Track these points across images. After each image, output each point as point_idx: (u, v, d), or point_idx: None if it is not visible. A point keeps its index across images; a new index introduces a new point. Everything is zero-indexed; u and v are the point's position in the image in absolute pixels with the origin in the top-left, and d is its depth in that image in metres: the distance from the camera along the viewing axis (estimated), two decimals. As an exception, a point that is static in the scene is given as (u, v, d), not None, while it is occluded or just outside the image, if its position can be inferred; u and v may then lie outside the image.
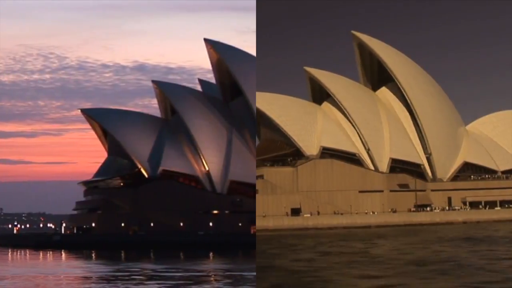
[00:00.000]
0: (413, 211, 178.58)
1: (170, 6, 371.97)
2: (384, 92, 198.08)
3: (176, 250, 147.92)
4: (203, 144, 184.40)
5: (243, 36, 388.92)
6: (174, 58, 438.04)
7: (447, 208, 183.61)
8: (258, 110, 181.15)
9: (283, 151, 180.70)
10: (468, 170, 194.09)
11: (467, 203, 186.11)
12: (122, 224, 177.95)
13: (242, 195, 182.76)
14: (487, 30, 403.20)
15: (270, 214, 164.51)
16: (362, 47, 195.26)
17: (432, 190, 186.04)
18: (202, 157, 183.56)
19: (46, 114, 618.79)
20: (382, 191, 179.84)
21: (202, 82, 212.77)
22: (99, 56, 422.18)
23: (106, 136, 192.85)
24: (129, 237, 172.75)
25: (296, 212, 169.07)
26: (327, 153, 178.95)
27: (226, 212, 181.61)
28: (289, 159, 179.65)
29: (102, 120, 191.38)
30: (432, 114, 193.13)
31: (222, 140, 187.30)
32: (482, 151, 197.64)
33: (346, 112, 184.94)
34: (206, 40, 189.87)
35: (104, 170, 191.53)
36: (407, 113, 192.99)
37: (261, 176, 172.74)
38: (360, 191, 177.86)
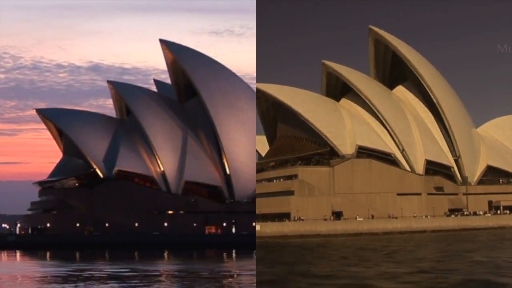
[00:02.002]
0: (448, 215, 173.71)
1: (125, 6, 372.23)
2: (401, 91, 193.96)
3: (131, 250, 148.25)
4: (158, 144, 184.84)
5: (197, 37, 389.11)
6: (129, 59, 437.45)
7: (482, 212, 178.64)
8: (279, 104, 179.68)
9: (311, 149, 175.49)
10: (490, 174, 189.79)
11: (501, 207, 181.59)
12: (77, 225, 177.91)
13: (197, 195, 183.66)
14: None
15: (310, 218, 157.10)
16: (379, 43, 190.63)
17: (464, 194, 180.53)
18: (157, 157, 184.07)
19: (0, 114, 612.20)
20: (420, 194, 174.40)
21: (157, 82, 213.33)
22: (54, 56, 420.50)
23: (61, 136, 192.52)
24: (84, 237, 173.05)
25: (337, 215, 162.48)
26: (363, 152, 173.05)
27: (181, 212, 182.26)
28: (316, 158, 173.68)
29: (57, 120, 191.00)
30: (457, 115, 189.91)
31: (177, 141, 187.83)
32: (499, 154, 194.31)
33: (376, 110, 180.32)
34: (161, 40, 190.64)
35: (59, 170, 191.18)
36: (430, 114, 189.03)
37: (295, 176, 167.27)
38: (398, 194, 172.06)
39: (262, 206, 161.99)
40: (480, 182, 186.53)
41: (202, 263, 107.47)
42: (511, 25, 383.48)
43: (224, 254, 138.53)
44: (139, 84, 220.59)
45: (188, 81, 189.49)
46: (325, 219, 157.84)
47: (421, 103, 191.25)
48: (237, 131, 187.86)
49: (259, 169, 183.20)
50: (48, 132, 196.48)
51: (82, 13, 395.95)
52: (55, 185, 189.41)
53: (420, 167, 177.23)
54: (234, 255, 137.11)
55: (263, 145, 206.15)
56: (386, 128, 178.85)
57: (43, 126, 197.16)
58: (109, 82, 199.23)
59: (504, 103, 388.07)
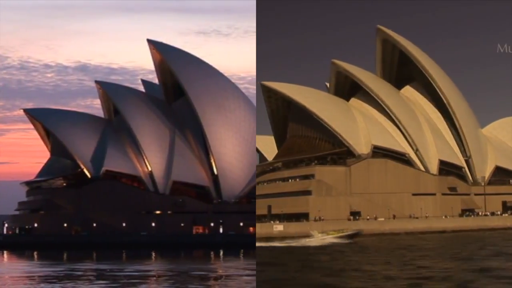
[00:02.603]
0: (461, 215, 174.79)
1: (112, 7, 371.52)
2: (409, 91, 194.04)
3: (118, 250, 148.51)
4: (146, 144, 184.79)
5: (184, 37, 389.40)
6: (116, 59, 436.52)
7: (500, 212, 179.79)
8: (289, 103, 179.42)
9: (325, 149, 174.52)
10: (498, 174, 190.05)
11: None
12: (65, 225, 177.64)
13: (184, 195, 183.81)
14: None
15: (328, 218, 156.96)
16: (387, 42, 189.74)
17: (476, 194, 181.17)
18: (144, 157, 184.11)
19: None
20: (434, 194, 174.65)
21: (145, 82, 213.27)
22: (41, 56, 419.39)
23: (49, 136, 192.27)
24: (72, 237, 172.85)
25: (355, 215, 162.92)
26: (378, 152, 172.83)
27: (169, 212, 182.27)
28: (331, 158, 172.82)
29: (45, 120, 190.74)
30: (465, 116, 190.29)
31: (165, 141, 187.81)
32: (505, 155, 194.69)
33: (389, 110, 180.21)
34: (149, 40, 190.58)
35: (47, 170, 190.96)
36: (439, 114, 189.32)
37: (312, 176, 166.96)
38: (413, 194, 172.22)
39: (276, 206, 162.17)
40: (490, 182, 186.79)
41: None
42: (511, 25, 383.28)
43: (212, 254, 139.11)
44: (127, 84, 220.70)
45: (176, 81, 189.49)
46: (349, 219, 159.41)
47: (429, 104, 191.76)
48: (224, 131, 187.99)
49: (270, 170, 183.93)
50: (35, 132, 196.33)
51: (69, 13, 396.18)
52: (42, 185, 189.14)
53: (434, 167, 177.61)
54: (221, 255, 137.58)
55: (264, 145, 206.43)
56: (399, 128, 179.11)
57: (30, 126, 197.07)
58: (97, 82, 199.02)
59: (504, 103, 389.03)
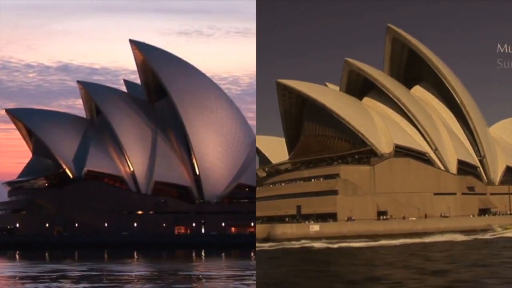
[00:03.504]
0: (479, 214, 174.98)
1: (94, 7, 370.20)
2: (420, 91, 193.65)
3: (100, 250, 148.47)
4: (128, 144, 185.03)
5: (166, 38, 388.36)
6: (98, 59, 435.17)
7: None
8: (304, 102, 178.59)
9: (344, 148, 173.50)
10: (507, 174, 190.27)
11: None
12: (47, 225, 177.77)
13: (166, 195, 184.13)
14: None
15: (355, 218, 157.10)
16: (396, 42, 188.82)
17: (492, 194, 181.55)
18: (127, 157, 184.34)
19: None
20: (455, 193, 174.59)
21: (127, 82, 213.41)
22: (23, 56, 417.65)
23: (31, 136, 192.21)
24: (54, 237, 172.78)
25: (381, 215, 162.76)
26: (399, 151, 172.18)
27: (151, 212, 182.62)
28: (353, 157, 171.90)
29: (27, 120, 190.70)
30: (478, 115, 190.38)
31: (147, 141, 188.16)
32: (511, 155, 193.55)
33: (407, 110, 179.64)
34: (131, 41, 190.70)
35: (29, 170, 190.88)
36: (451, 114, 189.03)
37: (337, 175, 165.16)
38: (435, 194, 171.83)
39: (290, 206, 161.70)
40: (501, 182, 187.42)
41: (170, 262, 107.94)
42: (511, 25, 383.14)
43: (193, 253, 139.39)
44: (109, 85, 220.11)
45: (158, 82, 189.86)
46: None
47: (441, 103, 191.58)
48: (206, 132, 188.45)
49: (285, 170, 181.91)
50: (17, 132, 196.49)
51: (51, 14, 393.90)
52: (24, 185, 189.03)
53: (453, 167, 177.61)
54: (203, 255, 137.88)
55: (265, 146, 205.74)
56: (417, 128, 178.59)
57: (12, 126, 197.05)
58: (79, 82, 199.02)
59: (505, 104, 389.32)
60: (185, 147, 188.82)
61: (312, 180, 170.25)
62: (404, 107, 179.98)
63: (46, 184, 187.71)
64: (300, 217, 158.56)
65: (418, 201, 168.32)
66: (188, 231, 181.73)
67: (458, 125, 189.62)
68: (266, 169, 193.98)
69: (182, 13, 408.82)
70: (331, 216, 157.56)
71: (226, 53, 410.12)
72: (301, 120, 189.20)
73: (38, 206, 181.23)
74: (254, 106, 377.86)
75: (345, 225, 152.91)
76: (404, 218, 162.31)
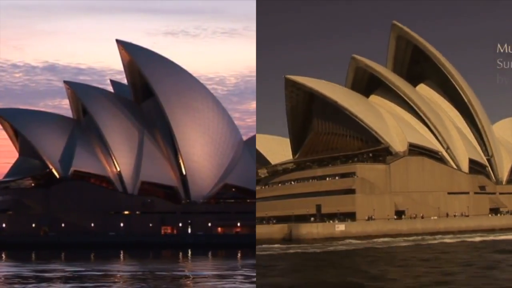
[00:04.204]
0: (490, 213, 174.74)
1: (80, 7, 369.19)
2: (425, 89, 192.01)
3: (87, 250, 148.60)
4: (115, 145, 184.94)
5: (153, 38, 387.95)
6: (84, 59, 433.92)
7: None
8: (313, 99, 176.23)
9: (356, 146, 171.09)
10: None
11: None
12: (33, 225, 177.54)
13: (153, 196, 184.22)
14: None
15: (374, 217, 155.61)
16: (401, 39, 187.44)
17: (501, 193, 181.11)
18: (113, 157, 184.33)
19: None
20: (468, 193, 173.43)
21: (113, 83, 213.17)
22: (9, 56, 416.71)
23: (17, 136, 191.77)
24: (40, 237, 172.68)
25: (399, 214, 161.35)
26: (413, 150, 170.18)
27: (137, 213, 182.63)
28: (367, 155, 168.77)
29: (13, 120, 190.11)
30: (484, 115, 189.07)
31: (134, 141, 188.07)
32: None
33: (417, 108, 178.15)
34: (118, 41, 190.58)
35: (15, 170, 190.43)
36: (457, 113, 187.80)
37: (353, 174, 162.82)
38: (448, 193, 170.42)
39: (311, 205, 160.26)
40: (508, 181, 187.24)
41: (156, 263, 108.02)
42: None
43: (180, 254, 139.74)
44: (95, 85, 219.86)
45: (145, 82, 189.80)
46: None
47: (447, 102, 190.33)
48: (193, 132, 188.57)
49: (291, 168, 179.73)
50: (3, 132, 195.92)
51: (37, 13, 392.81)
52: (10, 185, 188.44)
53: (465, 166, 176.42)
54: (189, 255, 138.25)
55: (261, 145, 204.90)
56: (428, 126, 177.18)
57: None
58: (65, 82, 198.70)
59: (505, 104, 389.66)
60: (172, 147, 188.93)
61: (327, 178, 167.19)
62: (415, 105, 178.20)
63: (33, 184, 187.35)
64: (320, 216, 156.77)
65: (432, 200, 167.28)
66: (175, 231, 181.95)
67: (465, 124, 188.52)
68: (266, 169, 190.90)
69: (168, 14, 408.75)
70: (349, 216, 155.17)
71: (213, 53, 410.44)
72: (309, 118, 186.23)
73: (25, 206, 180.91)
74: (240, 107, 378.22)
75: (369, 225, 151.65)
76: (422, 217, 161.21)
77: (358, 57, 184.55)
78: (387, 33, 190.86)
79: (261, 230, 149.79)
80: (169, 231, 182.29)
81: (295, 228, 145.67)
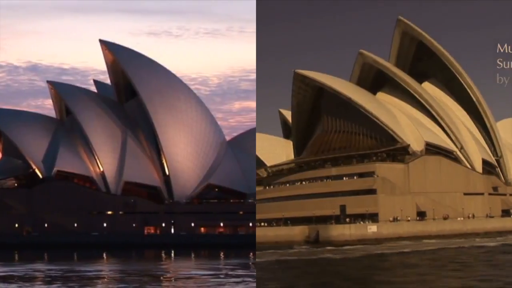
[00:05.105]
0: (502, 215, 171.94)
1: (63, 6, 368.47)
2: (430, 87, 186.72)
3: (70, 250, 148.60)
4: (98, 145, 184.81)
5: (136, 38, 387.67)
6: (67, 59, 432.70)
7: None
8: (324, 95, 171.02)
9: (370, 145, 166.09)
10: None
11: None
12: (16, 225, 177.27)
13: (136, 196, 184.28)
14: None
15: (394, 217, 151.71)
16: (406, 35, 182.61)
17: (510, 195, 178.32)
18: (96, 158, 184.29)
19: None
20: (483, 193, 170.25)
21: (97, 83, 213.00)
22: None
23: (0, 136, 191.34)
24: (23, 237, 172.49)
25: (421, 215, 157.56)
26: (430, 149, 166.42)
27: (120, 213, 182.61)
28: (383, 155, 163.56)
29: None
30: (492, 115, 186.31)
31: (117, 141, 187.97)
32: None
33: (429, 106, 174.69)
34: (101, 41, 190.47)
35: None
36: (464, 112, 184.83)
37: (373, 173, 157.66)
38: (464, 194, 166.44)
39: (329, 206, 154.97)
40: None
41: (138, 263, 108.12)
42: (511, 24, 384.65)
43: (163, 254, 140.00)
44: (78, 85, 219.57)
45: (128, 82, 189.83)
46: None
47: (453, 101, 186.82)
48: (176, 132, 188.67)
49: (300, 168, 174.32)
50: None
51: (20, 13, 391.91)
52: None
53: (479, 166, 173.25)
54: (173, 255, 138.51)
55: (260, 145, 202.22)
56: (440, 125, 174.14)
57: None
58: (48, 82, 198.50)
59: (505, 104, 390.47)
60: (155, 147, 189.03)
61: (344, 178, 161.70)
62: (427, 104, 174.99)
63: (16, 184, 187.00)
64: (344, 217, 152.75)
65: (449, 201, 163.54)
66: (158, 231, 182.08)
67: (472, 124, 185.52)
68: (269, 169, 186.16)
69: (151, 14, 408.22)
70: (370, 217, 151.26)
71: (196, 53, 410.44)
72: (316, 115, 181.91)
73: (8, 206, 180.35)
74: (223, 107, 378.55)
75: (399, 226, 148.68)
76: (444, 218, 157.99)
77: (366, 53, 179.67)
78: (388, 31, 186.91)
79: (280, 232, 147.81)
80: (152, 231, 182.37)
81: (324, 230, 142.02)
